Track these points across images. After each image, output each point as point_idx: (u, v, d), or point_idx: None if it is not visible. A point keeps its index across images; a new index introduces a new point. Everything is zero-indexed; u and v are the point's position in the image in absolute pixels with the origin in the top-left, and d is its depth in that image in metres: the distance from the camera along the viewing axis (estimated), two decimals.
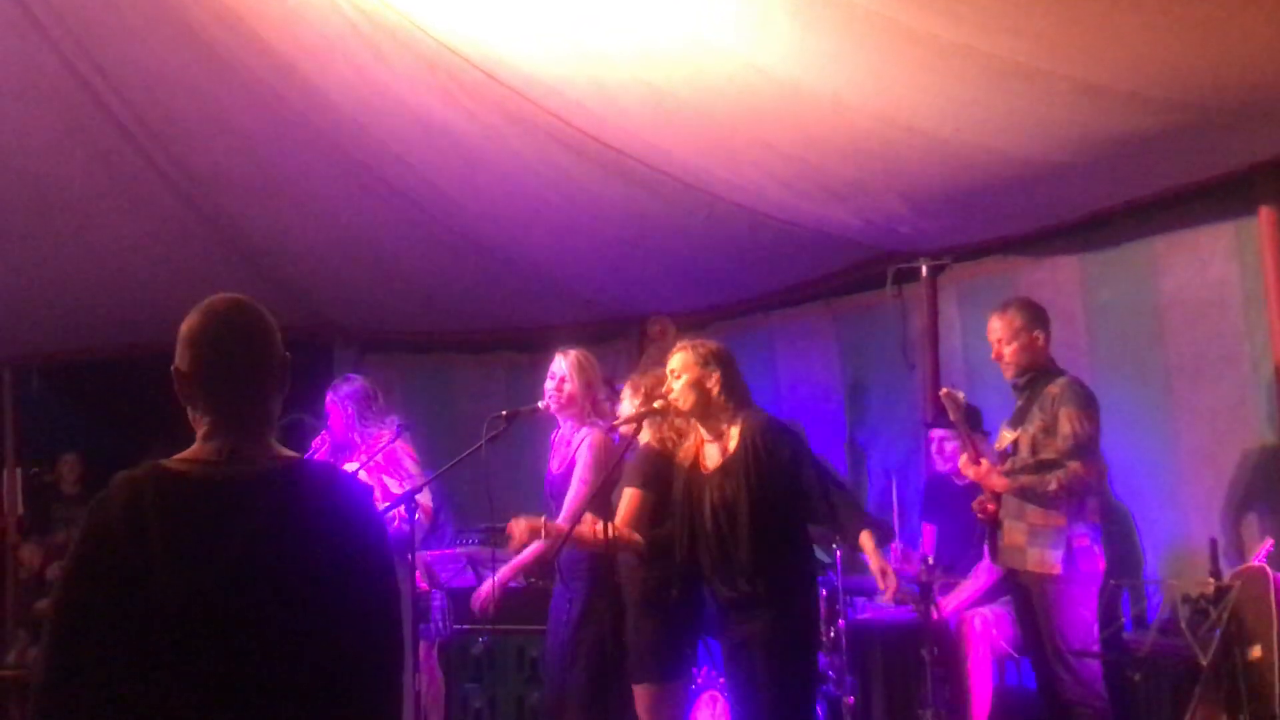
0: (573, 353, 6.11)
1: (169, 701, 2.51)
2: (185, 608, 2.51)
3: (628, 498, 5.46)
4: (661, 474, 5.50)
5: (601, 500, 5.31)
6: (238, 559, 2.54)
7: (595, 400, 6.11)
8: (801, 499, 5.13)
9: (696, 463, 5.33)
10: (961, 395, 5.95)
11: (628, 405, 5.78)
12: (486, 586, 6.05)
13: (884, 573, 5.04)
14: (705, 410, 5.25)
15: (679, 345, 5.39)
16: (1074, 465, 5.46)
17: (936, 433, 7.00)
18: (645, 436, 5.63)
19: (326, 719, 2.58)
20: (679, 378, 5.25)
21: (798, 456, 5.16)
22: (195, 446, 2.68)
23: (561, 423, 6.14)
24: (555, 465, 6.13)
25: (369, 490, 2.84)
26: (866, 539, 5.06)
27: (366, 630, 2.64)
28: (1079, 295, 6.94)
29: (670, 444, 5.57)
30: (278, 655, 2.55)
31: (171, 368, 2.71)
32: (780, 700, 5.05)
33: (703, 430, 5.31)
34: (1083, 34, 4.66)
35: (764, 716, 5.10)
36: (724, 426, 5.24)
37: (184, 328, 2.71)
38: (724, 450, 5.23)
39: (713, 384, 5.21)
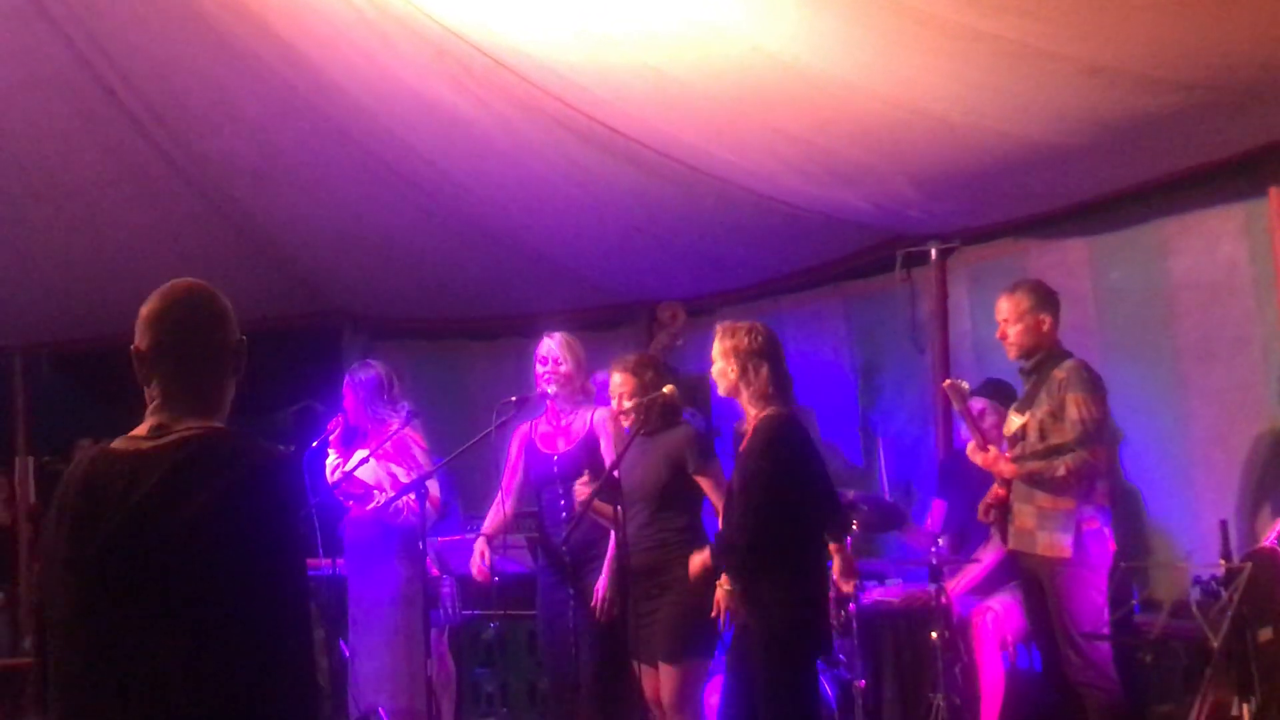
0: (558, 334, 6.17)
1: (79, 671, 2.61)
2: (78, 577, 2.60)
3: (715, 473, 5.77)
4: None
5: (614, 482, 5.37)
6: (119, 527, 2.57)
7: (585, 379, 6.16)
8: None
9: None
10: (965, 385, 5.95)
11: (617, 383, 5.88)
12: (602, 586, 5.99)
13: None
14: (735, 396, 5.31)
15: (723, 328, 5.38)
16: (1082, 451, 5.46)
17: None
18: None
19: (216, 692, 2.55)
20: (714, 363, 5.33)
21: (753, 474, 5.13)
22: (141, 425, 2.76)
23: (560, 405, 6.17)
24: (561, 444, 6.15)
25: (281, 465, 2.71)
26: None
27: (256, 602, 2.57)
28: (1088, 277, 6.93)
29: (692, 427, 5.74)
30: (163, 622, 2.55)
31: (130, 348, 2.79)
32: (770, 688, 5.08)
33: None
34: (1091, 16, 4.65)
35: (757, 703, 5.17)
36: (750, 418, 5.27)
37: (141, 309, 2.79)
38: (744, 441, 5.26)
39: (733, 375, 5.24)
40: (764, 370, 5.23)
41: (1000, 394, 6.44)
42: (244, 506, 2.60)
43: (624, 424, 5.88)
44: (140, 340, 2.78)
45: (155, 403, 2.75)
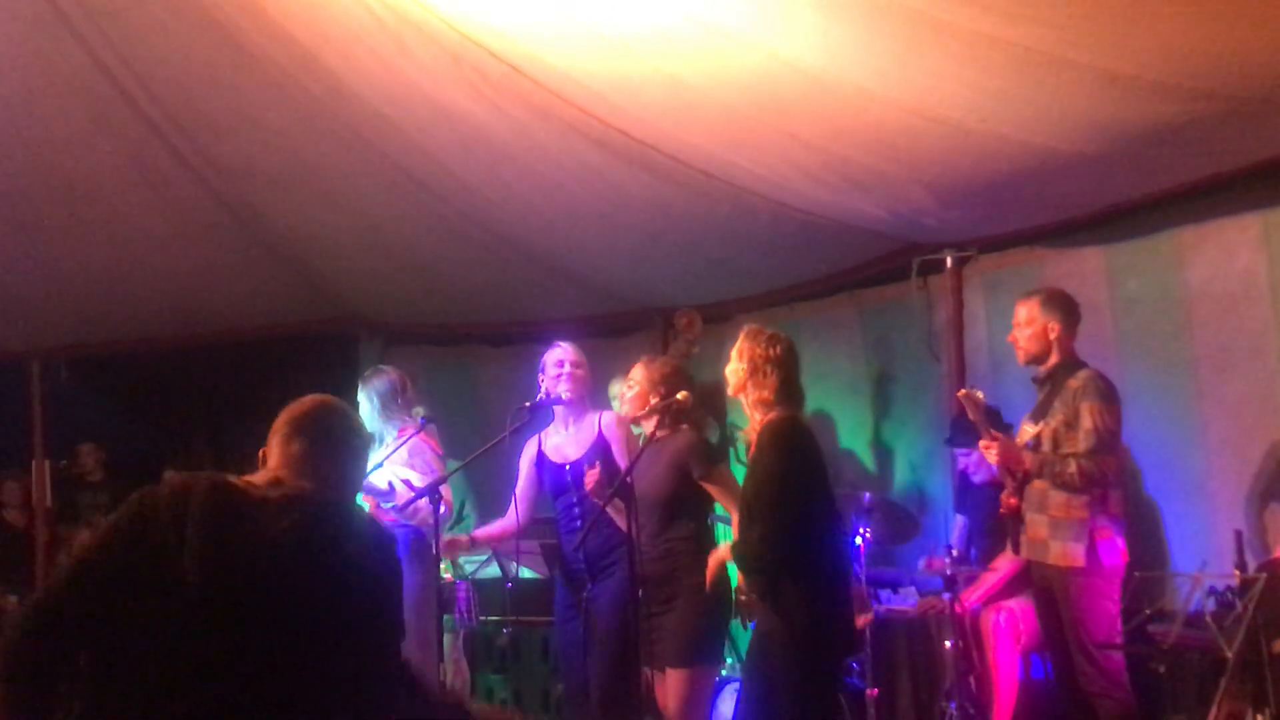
0: (566, 343, 6.19)
1: (171, 666, 2.83)
2: (202, 586, 2.85)
3: (721, 478, 5.74)
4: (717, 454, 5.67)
5: (627, 488, 5.36)
6: (252, 558, 2.91)
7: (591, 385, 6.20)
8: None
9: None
10: (980, 394, 5.93)
11: (623, 388, 5.88)
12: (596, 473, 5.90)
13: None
14: (740, 395, 5.30)
15: (748, 330, 5.37)
16: (1094, 458, 5.45)
17: (959, 454, 6.99)
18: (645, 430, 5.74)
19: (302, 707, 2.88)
20: (729, 360, 5.31)
21: (766, 474, 5.12)
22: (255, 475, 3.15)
23: (569, 412, 6.17)
24: (572, 452, 6.14)
25: (380, 529, 3.28)
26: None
27: (351, 645, 2.95)
28: (1105, 287, 6.92)
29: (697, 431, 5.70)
30: (267, 646, 2.86)
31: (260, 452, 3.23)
32: (751, 695, 5.16)
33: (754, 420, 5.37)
34: (1108, 23, 4.65)
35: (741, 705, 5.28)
36: (755, 422, 5.27)
37: (288, 414, 3.29)
38: (750, 448, 5.27)
39: (742, 374, 5.25)
40: (774, 379, 5.22)
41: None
42: (363, 569, 3.01)
43: (635, 426, 5.89)
44: (286, 435, 3.21)
45: (276, 470, 3.15)
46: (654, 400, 5.74)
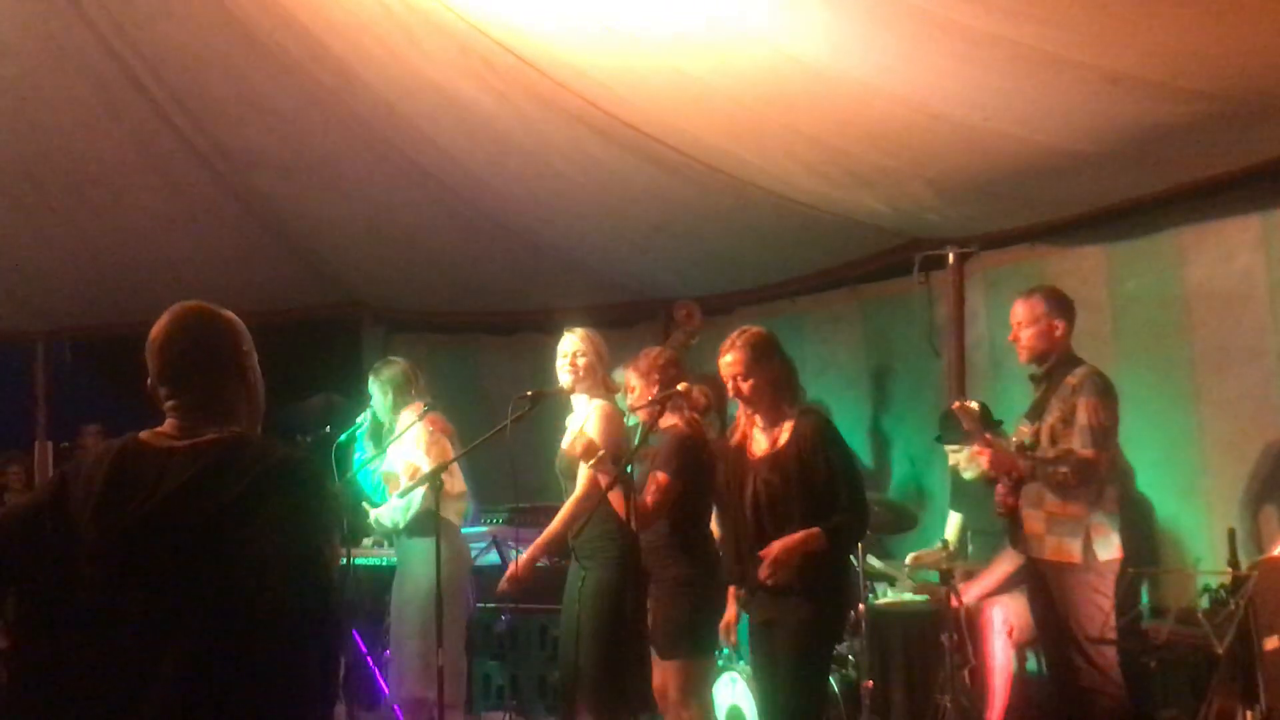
0: (579, 329, 6.16)
1: (90, 657, 2.69)
2: (99, 550, 2.71)
3: (655, 481, 5.55)
4: (695, 462, 5.61)
5: (618, 474, 5.37)
6: (145, 517, 2.72)
7: (605, 375, 6.16)
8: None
9: (743, 447, 5.39)
10: (974, 405, 5.95)
11: (635, 384, 5.85)
12: (514, 567, 6.11)
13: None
14: (768, 403, 5.34)
15: (736, 333, 5.41)
16: (1086, 453, 5.48)
17: (950, 449, 7.02)
18: (666, 420, 5.70)
19: (231, 679, 2.67)
20: (744, 376, 5.31)
21: (836, 463, 5.23)
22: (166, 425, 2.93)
23: (575, 400, 6.17)
24: (566, 440, 6.16)
25: (302, 465, 2.87)
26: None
27: (276, 595, 2.70)
28: (1105, 285, 6.94)
29: (699, 426, 5.68)
30: (183, 610, 2.67)
31: (147, 382, 2.96)
32: (795, 678, 5.18)
33: (758, 418, 5.38)
34: (1112, 23, 4.67)
35: (779, 693, 5.24)
36: (778, 419, 5.30)
37: (150, 334, 2.96)
38: (774, 441, 5.29)
39: (777, 379, 5.29)
40: (793, 370, 5.34)
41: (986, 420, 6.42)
42: (266, 505, 2.73)
43: (643, 418, 5.90)
44: (151, 364, 2.94)
45: (177, 412, 2.91)
46: (652, 391, 5.72)
